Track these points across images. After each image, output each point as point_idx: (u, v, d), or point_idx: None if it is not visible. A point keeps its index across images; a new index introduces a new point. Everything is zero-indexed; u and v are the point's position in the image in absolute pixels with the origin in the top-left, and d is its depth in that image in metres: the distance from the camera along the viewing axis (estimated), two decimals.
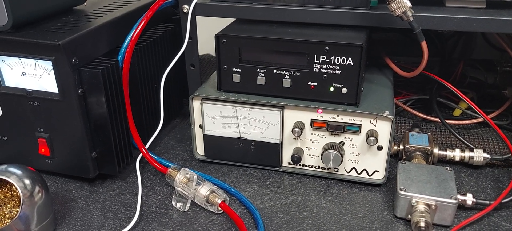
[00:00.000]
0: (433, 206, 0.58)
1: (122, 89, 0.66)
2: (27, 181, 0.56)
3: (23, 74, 0.62)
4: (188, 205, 0.64)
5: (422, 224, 0.56)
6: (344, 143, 0.66)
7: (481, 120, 0.80)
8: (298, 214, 0.63)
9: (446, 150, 0.70)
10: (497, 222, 0.60)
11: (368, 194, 0.66)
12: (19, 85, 0.63)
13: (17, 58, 0.61)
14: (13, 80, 0.63)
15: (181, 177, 0.64)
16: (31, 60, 0.60)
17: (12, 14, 0.58)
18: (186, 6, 0.71)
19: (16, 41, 0.59)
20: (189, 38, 0.73)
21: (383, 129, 0.63)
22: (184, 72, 0.78)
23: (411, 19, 0.58)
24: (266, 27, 0.68)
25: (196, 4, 0.70)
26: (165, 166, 0.69)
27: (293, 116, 0.66)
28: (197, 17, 0.72)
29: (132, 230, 0.60)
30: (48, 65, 0.60)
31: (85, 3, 0.76)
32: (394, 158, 0.73)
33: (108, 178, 0.71)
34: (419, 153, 0.68)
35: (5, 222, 0.58)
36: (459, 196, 0.59)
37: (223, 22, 0.70)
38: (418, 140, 0.70)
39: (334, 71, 0.63)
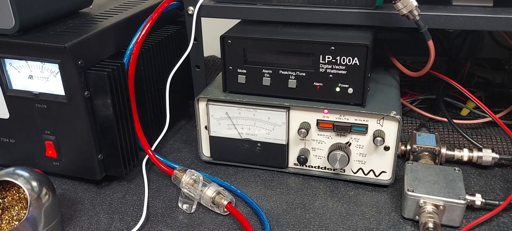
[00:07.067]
0: (441, 207, 0.57)
1: (128, 91, 0.67)
2: (34, 183, 0.56)
3: (30, 77, 0.62)
4: (194, 207, 0.64)
5: (430, 224, 0.55)
6: (350, 144, 0.65)
7: (489, 119, 0.79)
8: (305, 215, 0.62)
9: (454, 150, 0.69)
10: (506, 223, 0.59)
11: (375, 195, 0.66)
12: (26, 88, 0.63)
13: (24, 61, 0.61)
14: (20, 83, 0.63)
15: (187, 178, 0.64)
16: (38, 63, 0.61)
17: (19, 17, 0.59)
18: (191, 8, 0.71)
19: (23, 44, 0.60)
20: (194, 39, 0.73)
21: (390, 129, 0.63)
22: (190, 73, 0.78)
23: (417, 18, 0.58)
24: (271, 28, 0.67)
25: (201, 5, 0.70)
26: (171, 168, 0.69)
27: (299, 116, 0.66)
28: (202, 18, 0.72)
29: None
30: (54, 67, 0.60)
31: (91, 6, 0.77)
32: (401, 158, 0.72)
33: (114, 179, 0.71)
34: (427, 153, 0.68)
35: (13, 224, 0.58)
36: (467, 197, 0.59)
37: (228, 24, 0.70)
38: (425, 140, 0.69)
39: (340, 72, 0.62)
